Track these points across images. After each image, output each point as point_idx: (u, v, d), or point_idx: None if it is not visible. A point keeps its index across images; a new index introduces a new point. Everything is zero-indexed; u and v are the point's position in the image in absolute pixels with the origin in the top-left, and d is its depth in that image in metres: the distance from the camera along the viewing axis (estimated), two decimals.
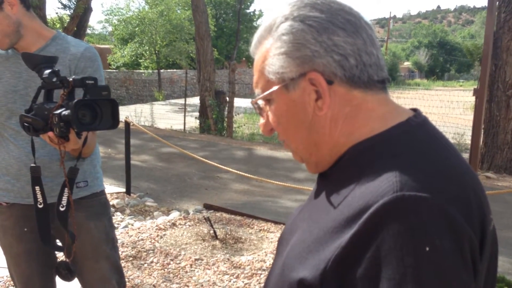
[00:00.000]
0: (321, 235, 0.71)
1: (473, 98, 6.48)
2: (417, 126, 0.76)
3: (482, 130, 6.96)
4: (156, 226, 4.32)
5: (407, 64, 59.19)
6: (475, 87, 6.46)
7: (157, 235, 4.11)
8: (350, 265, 0.65)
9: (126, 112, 11.68)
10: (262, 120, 0.84)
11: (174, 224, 4.37)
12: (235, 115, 12.61)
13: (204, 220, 4.41)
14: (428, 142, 0.74)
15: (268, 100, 0.81)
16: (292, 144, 0.82)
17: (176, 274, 3.39)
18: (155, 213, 4.83)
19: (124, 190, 5.46)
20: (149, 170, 6.98)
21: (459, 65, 61.29)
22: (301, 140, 0.80)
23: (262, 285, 3.24)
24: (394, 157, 0.70)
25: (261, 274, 3.43)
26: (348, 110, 0.76)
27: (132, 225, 4.42)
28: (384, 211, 0.63)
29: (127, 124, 5.67)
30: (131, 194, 5.44)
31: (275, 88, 0.78)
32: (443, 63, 61.74)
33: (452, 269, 0.62)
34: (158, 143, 8.43)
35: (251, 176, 5.18)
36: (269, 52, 0.78)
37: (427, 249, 0.61)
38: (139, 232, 4.17)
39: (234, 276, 3.39)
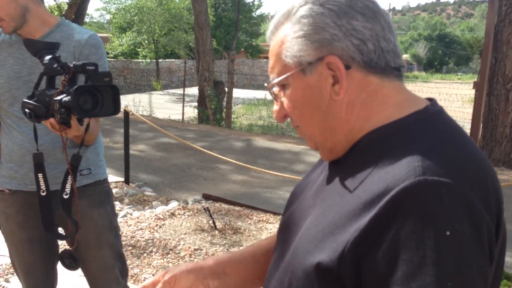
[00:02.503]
0: (337, 219, 0.71)
1: (472, 91, 6.48)
2: (435, 114, 0.76)
3: (481, 124, 6.97)
4: (155, 216, 4.32)
5: (405, 56, 59.12)
6: (475, 80, 6.46)
7: (156, 225, 4.11)
8: (369, 247, 0.65)
9: (124, 102, 11.58)
10: (275, 107, 0.84)
11: (173, 214, 4.38)
12: (234, 105, 12.60)
13: (203, 211, 4.41)
14: (446, 130, 0.74)
15: (283, 85, 0.80)
16: (307, 130, 0.82)
17: (175, 264, 3.39)
18: (154, 203, 4.83)
19: (123, 179, 5.46)
20: (148, 160, 6.97)
21: (458, 58, 61.24)
22: (317, 125, 0.80)
23: None
24: (414, 143, 0.70)
25: None
26: (364, 96, 0.76)
27: (131, 214, 4.42)
28: (405, 194, 0.63)
29: (126, 113, 5.66)
30: (130, 184, 5.44)
31: (292, 72, 0.78)
32: (442, 56, 61.66)
33: (471, 254, 0.62)
34: (156, 133, 8.41)
35: (250, 166, 5.18)
36: (287, 36, 0.78)
37: (448, 233, 0.61)
38: (138, 222, 4.17)
39: None
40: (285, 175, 4.76)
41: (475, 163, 0.70)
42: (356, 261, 0.66)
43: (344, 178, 0.76)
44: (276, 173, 4.94)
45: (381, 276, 0.63)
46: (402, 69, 0.79)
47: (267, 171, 5.05)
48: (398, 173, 0.66)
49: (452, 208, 0.62)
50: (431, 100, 0.80)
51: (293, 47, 0.77)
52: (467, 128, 7.73)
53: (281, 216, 0.98)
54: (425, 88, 13.18)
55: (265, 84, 0.84)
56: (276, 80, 0.80)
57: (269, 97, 16.63)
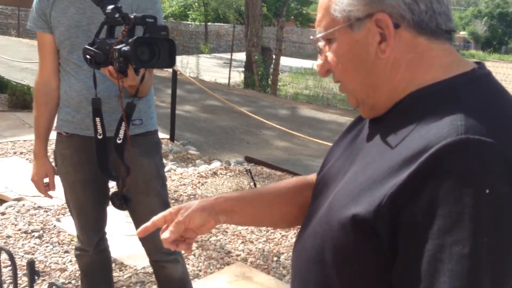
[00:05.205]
0: (375, 175, 0.71)
1: None
2: (482, 76, 0.75)
3: None
4: (198, 173, 4.42)
5: (463, 33, 56.55)
6: None
7: (199, 182, 4.21)
8: (406, 202, 0.65)
9: None
10: (319, 61, 0.84)
11: (215, 173, 4.47)
12: (280, 73, 12.52)
13: (244, 172, 4.48)
14: (493, 92, 0.73)
15: (329, 39, 0.80)
16: (349, 85, 0.82)
17: (210, 231, 3.48)
18: (197, 161, 4.94)
19: (168, 136, 5.59)
20: (193, 120, 7.08)
21: None
22: (360, 82, 0.79)
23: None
24: (458, 103, 0.69)
25: (298, 228, 3.48)
26: (411, 56, 0.75)
27: (175, 170, 4.54)
28: (446, 151, 0.63)
29: (174, 72, 5.75)
30: (175, 141, 5.57)
31: (339, 26, 0.77)
32: (502, 35, 58.61)
33: (509, 213, 0.62)
34: (202, 95, 8.51)
35: (294, 133, 5.18)
36: None
37: (487, 191, 0.61)
38: (181, 178, 4.29)
39: (272, 228, 3.46)
40: (329, 143, 4.72)
41: None
42: (392, 214, 0.67)
43: (386, 136, 0.76)
44: (320, 141, 4.92)
45: (417, 230, 0.64)
46: (452, 33, 0.78)
47: (311, 138, 5.04)
48: (440, 131, 0.66)
49: (493, 167, 0.62)
50: (479, 63, 0.79)
51: (342, 1, 0.76)
52: None
53: None
54: None
55: (311, 37, 0.84)
56: (322, 34, 0.80)
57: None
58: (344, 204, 0.74)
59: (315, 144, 5.52)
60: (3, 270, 2.39)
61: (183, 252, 2.27)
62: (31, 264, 1.42)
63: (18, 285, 1.47)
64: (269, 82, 12.12)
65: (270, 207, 1.02)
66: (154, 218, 0.95)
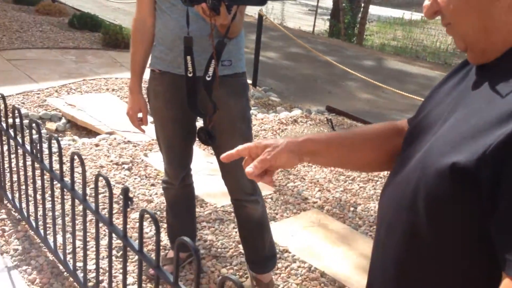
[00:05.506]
0: (481, 124, 0.68)
1: None
2: None
3: None
4: (278, 119, 4.44)
5: None
6: None
7: (279, 128, 4.24)
8: None
9: (256, 8, 11.66)
10: (426, 2, 0.78)
11: (295, 121, 4.46)
12: (368, 22, 12.01)
13: (325, 122, 4.43)
14: None
15: None
16: (460, 28, 0.76)
17: (294, 167, 3.52)
18: (278, 108, 4.95)
19: (250, 82, 5.63)
20: (275, 67, 7.05)
21: None
22: (471, 25, 0.74)
23: (377, 191, 3.23)
24: None
25: (377, 180, 3.43)
26: None
27: (256, 116, 4.59)
28: None
29: (260, 17, 5.69)
30: (257, 87, 5.59)
31: None
32: None
33: None
34: (286, 42, 8.40)
35: (380, 84, 5.00)
36: None
37: None
38: (262, 123, 4.34)
39: (350, 178, 3.43)
40: (416, 97, 4.52)
41: None
42: (496, 165, 0.63)
43: (496, 83, 0.71)
44: (407, 94, 4.72)
45: None
46: None
47: (398, 91, 4.84)
48: None
49: None
50: None
51: None
52: None
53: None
54: None
55: None
56: None
57: (406, 17, 15.51)
58: (443, 152, 0.71)
59: (401, 97, 5.31)
60: None
61: (263, 194, 2.33)
62: (125, 190, 1.53)
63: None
64: (355, 31, 11.70)
65: (356, 152, 1.01)
66: (240, 147, 0.96)
